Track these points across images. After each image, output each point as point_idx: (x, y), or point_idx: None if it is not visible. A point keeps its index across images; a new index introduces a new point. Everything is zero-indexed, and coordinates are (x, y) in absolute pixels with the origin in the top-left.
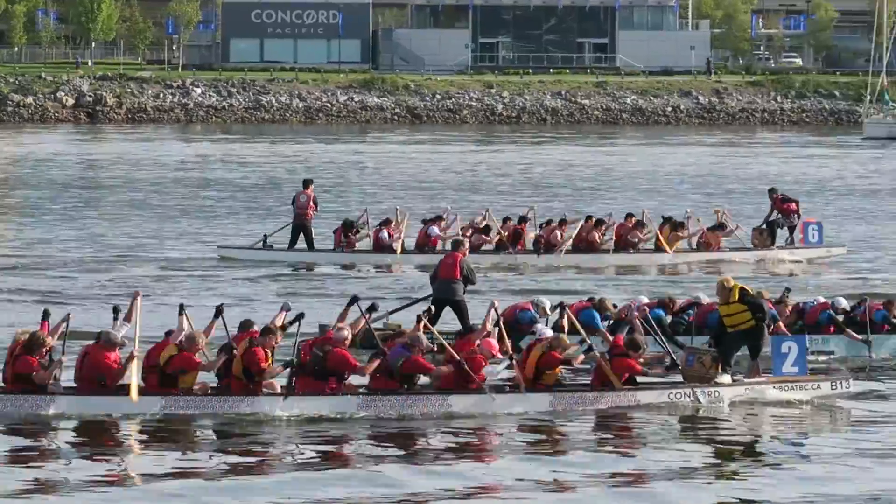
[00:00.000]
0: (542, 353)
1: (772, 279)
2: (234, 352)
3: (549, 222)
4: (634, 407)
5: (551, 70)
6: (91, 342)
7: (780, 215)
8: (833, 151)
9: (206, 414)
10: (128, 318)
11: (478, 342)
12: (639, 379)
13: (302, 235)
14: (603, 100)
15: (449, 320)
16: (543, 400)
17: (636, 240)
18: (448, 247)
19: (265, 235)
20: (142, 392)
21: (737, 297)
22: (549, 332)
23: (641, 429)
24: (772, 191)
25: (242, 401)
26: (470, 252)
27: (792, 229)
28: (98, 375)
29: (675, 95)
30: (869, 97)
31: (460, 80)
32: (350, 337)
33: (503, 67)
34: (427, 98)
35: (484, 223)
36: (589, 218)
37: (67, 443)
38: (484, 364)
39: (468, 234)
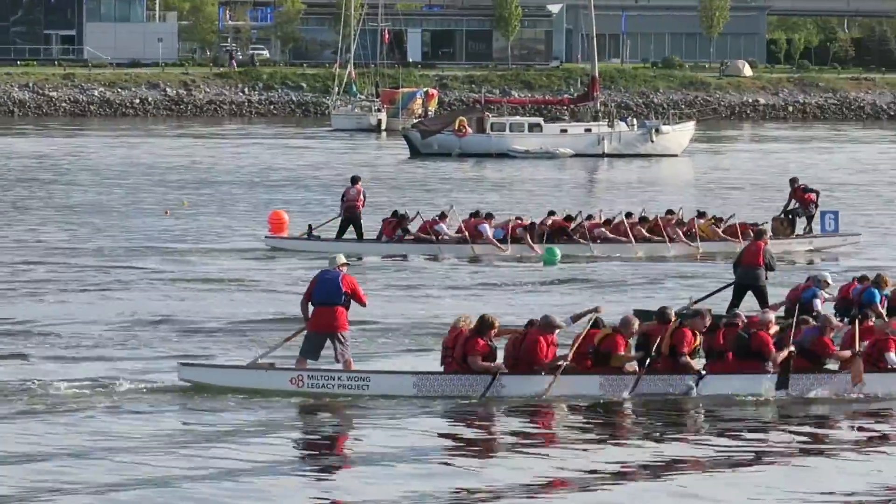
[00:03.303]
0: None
1: (792, 268)
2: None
3: (589, 217)
4: None
5: (19, 62)
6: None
7: (798, 205)
8: (303, 143)
9: (636, 393)
10: (574, 320)
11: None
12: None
13: (351, 227)
14: (71, 92)
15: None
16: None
17: (675, 236)
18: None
19: (310, 226)
20: (575, 372)
21: None
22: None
23: None
24: (793, 181)
25: (665, 380)
26: (515, 243)
27: (810, 219)
28: (532, 358)
29: (143, 87)
30: (337, 89)
31: None
32: (773, 320)
33: None
34: None
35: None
36: (629, 215)
37: (502, 422)
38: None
39: (515, 228)
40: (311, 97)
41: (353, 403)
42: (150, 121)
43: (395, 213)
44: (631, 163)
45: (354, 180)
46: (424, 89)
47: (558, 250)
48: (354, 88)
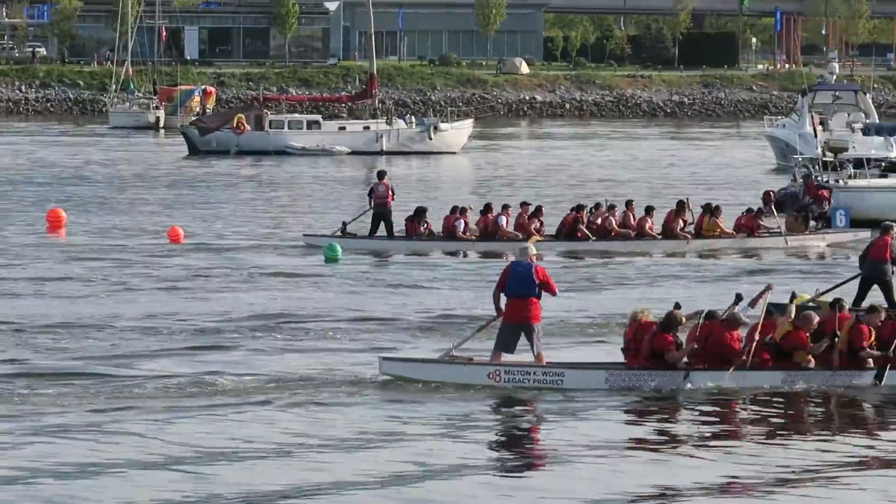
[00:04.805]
0: None
1: (806, 263)
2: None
3: (597, 206)
4: None
5: None
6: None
7: (812, 201)
8: (80, 140)
9: (814, 387)
10: (752, 305)
11: None
12: None
13: (382, 223)
14: None
15: None
16: None
17: (680, 227)
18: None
19: (344, 223)
20: (756, 367)
21: None
22: None
23: None
24: (806, 177)
25: (844, 375)
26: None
27: (822, 215)
28: (720, 352)
29: None
30: (114, 87)
31: None
32: None
33: None
34: None
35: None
36: (630, 203)
37: (692, 417)
38: None
39: (529, 220)
40: (89, 95)
41: (547, 397)
42: None
43: (417, 210)
44: (409, 160)
45: (381, 175)
46: (202, 87)
47: (339, 247)
48: (132, 86)
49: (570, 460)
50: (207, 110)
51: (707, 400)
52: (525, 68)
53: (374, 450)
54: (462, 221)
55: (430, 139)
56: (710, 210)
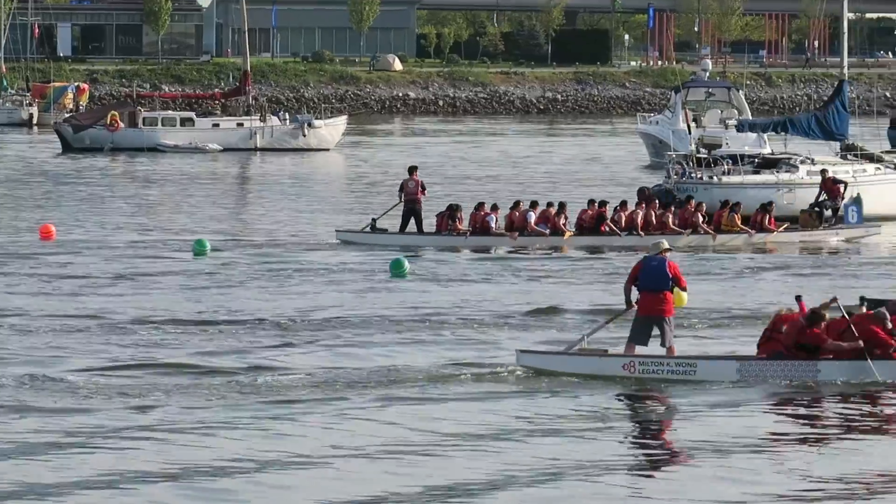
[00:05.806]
0: None
1: (819, 259)
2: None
3: (623, 204)
4: None
5: None
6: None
7: (826, 197)
8: None
9: None
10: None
11: None
12: None
13: (413, 219)
14: None
15: None
16: None
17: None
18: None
19: (373, 219)
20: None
21: None
22: None
23: None
24: (823, 172)
25: None
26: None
27: (836, 211)
28: (868, 343)
29: None
30: None
31: None
32: None
33: None
34: None
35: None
36: (652, 201)
37: (824, 409)
38: None
39: (556, 216)
40: None
41: (679, 388)
42: None
43: (449, 207)
44: (283, 157)
45: (411, 170)
46: (76, 84)
47: (207, 242)
48: (5, 83)
49: (705, 454)
50: (81, 107)
51: (839, 391)
52: (398, 65)
53: (510, 442)
54: (494, 217)
55: (304, 136)
56: (730, 206)
